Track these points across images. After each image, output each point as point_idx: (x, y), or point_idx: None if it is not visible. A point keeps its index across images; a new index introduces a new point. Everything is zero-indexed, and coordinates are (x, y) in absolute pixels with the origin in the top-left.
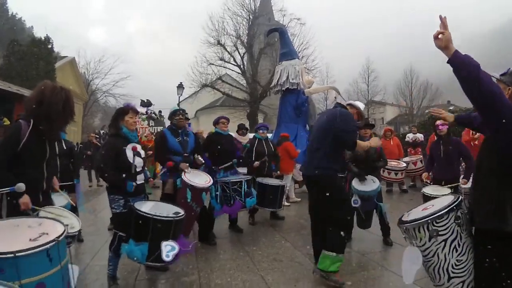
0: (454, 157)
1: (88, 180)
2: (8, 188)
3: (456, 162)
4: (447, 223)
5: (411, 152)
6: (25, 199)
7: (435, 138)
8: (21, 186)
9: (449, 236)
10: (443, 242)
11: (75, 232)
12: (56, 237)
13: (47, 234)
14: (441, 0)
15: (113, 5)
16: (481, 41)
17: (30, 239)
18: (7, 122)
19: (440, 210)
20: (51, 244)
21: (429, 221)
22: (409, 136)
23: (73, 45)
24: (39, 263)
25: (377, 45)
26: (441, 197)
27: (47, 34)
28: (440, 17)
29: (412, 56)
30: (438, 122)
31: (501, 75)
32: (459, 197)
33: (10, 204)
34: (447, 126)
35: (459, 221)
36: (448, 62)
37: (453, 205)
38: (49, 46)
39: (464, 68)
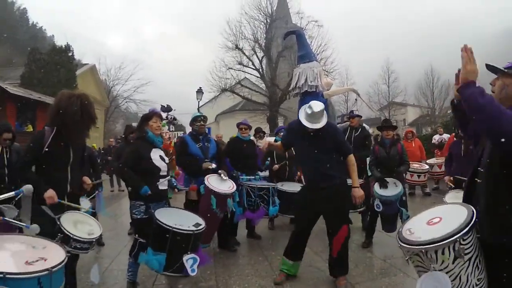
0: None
1: (110, 185)
2: (13, 192)
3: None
4: (472, 239)
5: (437, 154)
6: (50, 193)
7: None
8: (29, 188)
9: (473, 254)
10: (468, 262)
11: (94, 238)
12: (50, 267)
13: (44, 260)
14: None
15: (131, 12)
16: (495, 41)
17: (26, 262)
18: (30, 128)
19: (466, 225)
20: (43, 273)
21: (457, 239)
22: (435, 138)
23: (93, 52)
24: None
25: (396, 46)
26: (443, 207)
27: (67, 42)
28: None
29: (433, 56)
30: None
31: (506, 68)
32: (470, 206)
33: (34, 208)
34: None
35: (478, 234)
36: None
37: (475, 217)
38: (70, 54)
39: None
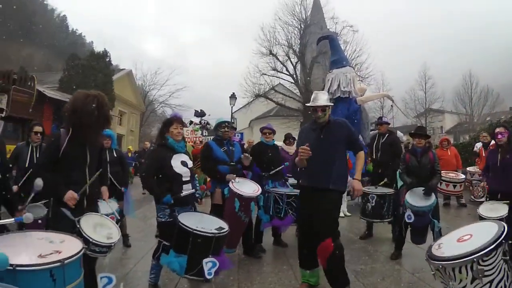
0: (511, 167)
1: (142, 187)
2: (13, 219)
3: None
4: (494, 260)
5: (477, 163)
6: (70, 195)
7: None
8: (29, 217)
9: (495, 277)
10: (488, 284)
11: (113, 243)
12: (63, 258)
13: (59, 252)
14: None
15: (168, 18)
16: None
17: (40, 255)
18: None
19: (488, 246)
20: (55, 265)
21: (475, 259)
22: (477, 146)
23: (131, 57)
24: (40, 282)
25: (434, 50)
26: (480, 224)
27: (105, 48)
28: None
29: (471, 61)
30: (498, 129)
31: None
32: (504, 226)
33: (53, 208)
34: (507, 134)
35: (507, 257)
36: None
37: (501, 238)
38: (107, 60)
39: None
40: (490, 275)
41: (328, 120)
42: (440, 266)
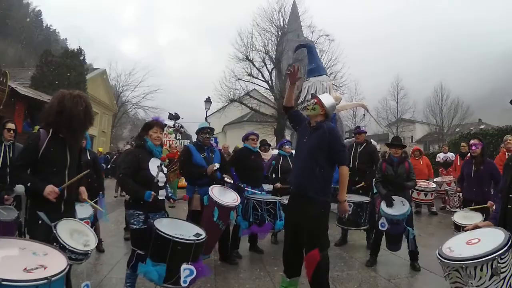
0: (485, 178)
1: (115, 190)
2: None
3: (487, 183)
4: (508, 258)
5: (442, 173)
6: (49, 189)
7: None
8: None
9: (508, 273)
10: (502, 280)
11: (89, 250)
12: (50, 276)
13: (44, 268)
14: (471, 13)
15: (145, 19)
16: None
17: (25, 268)
18: (36, 129)
19: (506, 244)
20: (41, 281)
21: (496, 257)
22: (440, 156)
23: (105, 56)
24: None
25: (407, 61)
26: (484, 229)
27: (79, 46)
28: None
29: (443, 73)
30: (472, 141)
31: None
32: (507, 232)
33: (30, 210)
34: (481, 146)
35: None
36: None
37: None
38: (81, 58)
39: None
40: (505, 271)
41: (317, 125)
42: (463, 266)
